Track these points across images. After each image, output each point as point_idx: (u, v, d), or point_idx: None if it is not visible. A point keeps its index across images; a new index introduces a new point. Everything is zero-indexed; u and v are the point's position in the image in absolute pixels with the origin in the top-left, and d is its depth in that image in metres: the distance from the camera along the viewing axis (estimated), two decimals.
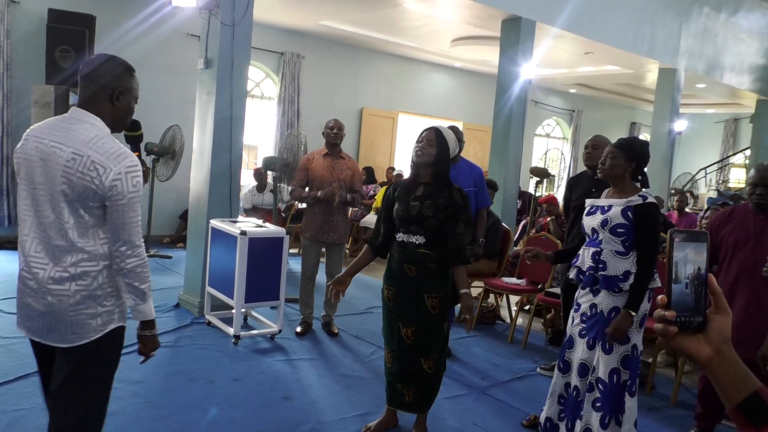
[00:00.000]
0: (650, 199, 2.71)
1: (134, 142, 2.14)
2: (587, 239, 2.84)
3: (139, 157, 2.14)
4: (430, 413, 3.00)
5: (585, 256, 2.80)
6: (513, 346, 4.68)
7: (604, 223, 2.70)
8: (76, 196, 1.76)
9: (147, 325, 1.94)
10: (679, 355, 3.99)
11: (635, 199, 2.69)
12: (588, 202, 2.91)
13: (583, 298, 2.82)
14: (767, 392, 0.80)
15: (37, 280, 1.81)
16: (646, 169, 2.87)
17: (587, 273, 2.75)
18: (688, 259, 0.81)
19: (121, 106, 1.87)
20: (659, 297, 0.82)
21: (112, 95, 1.84)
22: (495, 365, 4.20)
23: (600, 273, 2.71)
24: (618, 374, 2.68)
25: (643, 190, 2.82)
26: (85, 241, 1.80)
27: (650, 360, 4.06)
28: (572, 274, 2.89)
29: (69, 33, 6.10)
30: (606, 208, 2.74)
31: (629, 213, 2.67)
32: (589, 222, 2.79)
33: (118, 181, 1.76)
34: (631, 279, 2.67)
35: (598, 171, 2.87)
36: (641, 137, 15.89)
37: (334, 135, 4.48)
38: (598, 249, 2.72)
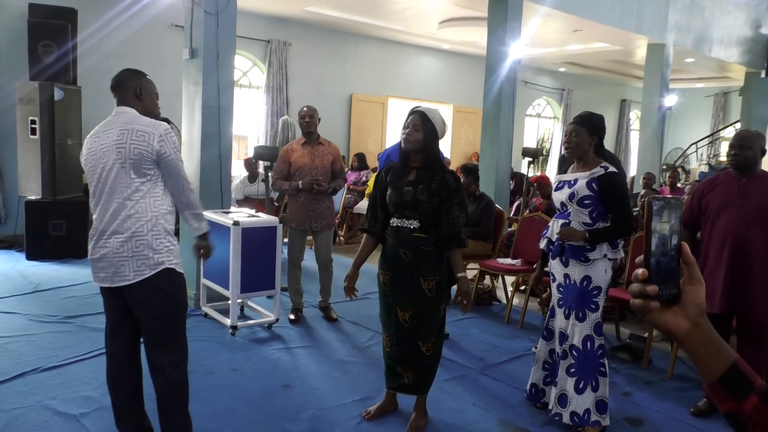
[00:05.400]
0: (611, 169, 2.88)
1: None
2: (557, 212, 3.02)
3: None
4: (430, 395, 3.01)
5: (554, 227, 2.99)
6: (510, 327, 4.70)
7: (571, 196, 2.89)
8: (130, 162, 2.28)
9: (203, 237, 2.59)
10: (653, 329, 4.05)
11: (598, 171, 2.86)
12: (555, 178, 3.09)
13: (556, 269, 3.01)
14: (744, 363, 0.77)
15: (102, 241, 2.34)
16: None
17: (556, 243, 2.96)
18: (665, 229, 0.76)
19: (145, 99, 2.46)
20: (639, 270, 0.76)
21: (135, 92, 2.43)
22: (492, 346, 4.22)
23: (567, 242, 2.90)
24: (592, 341, 2.87)
25: (605, 161, 2.96)
26: (137, 197, 2.30)
27: (646, 335, 4.09)
28: (542, 245, 3.10)
29: (51, 27, 6.00)
30: (572, 182, 2.92)
31: (594, 184, 2.84)
32: (558, 196, 2.98)
33: (162, 143, 2.31)
34: (597, 249, 2.84)
35: (564, 150, 3.00)
36: (632, 114, 15.83)
37: (306, 123, 4.44)
38: (567, 221, 2.92)
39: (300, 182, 4.36)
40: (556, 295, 3.02)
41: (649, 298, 0.75)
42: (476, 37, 8.73)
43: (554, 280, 3.03)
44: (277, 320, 4.33)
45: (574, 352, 2.88)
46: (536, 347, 4.16)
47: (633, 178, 10.21)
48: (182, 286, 2.44)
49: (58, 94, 5.93)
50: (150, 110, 2.45)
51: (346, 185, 7.55)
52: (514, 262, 4.94)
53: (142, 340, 2.47)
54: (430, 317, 2.84)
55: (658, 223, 0.76)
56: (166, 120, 2.62)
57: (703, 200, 3.21)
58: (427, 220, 2.77)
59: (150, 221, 2.31)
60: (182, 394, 2.46)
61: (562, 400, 2.92)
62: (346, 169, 7.79)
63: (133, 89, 2.42)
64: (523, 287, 5.33)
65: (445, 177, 2.77)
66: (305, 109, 4.51)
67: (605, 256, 2.85)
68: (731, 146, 3.13)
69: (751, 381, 0.75)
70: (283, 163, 4.48)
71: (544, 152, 13.30)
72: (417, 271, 2.79)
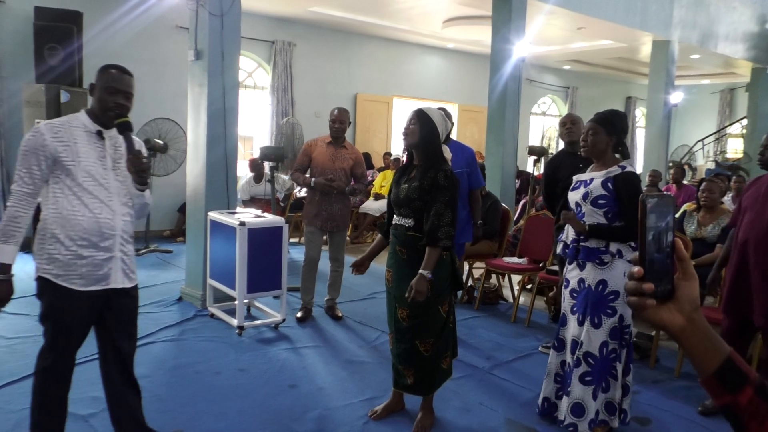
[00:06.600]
0: (629, 169, 2.79)
1: (121, 128, 2.19)
2: None
3: (132, 146, 2.28)
4: (436, 394, 3.01)
5: (569, 230, 2.89)
6: (516, 326, 4.69)
7: (585, 196, 2.79)
8: None
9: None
10: (651, 326, 4.03)
11: (614, 170, 2.77)
12: (574, 177, 2.98)
13: (571, 274, 2.90)
14: (738, 356, 0.77)
15: None
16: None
17: (571, 246, 2.87)
18: (659, 225, 0.77)
19: (96, 97, 2.28)
20: (634, 269, 0.77)
21: (90, 90, 2.30)
22: (499, 345, 4.21)
23: (581, 244, 2.81)
24: (606, 346, 2.77)
25: (624, 161, 2.89)
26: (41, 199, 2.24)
27: (653, 333, 4.08)
28: (559, 249, 3.01)
29: (56, 30, 6.04)
30: (588, 181, 2.83)
31: (609, 184, 2.74)
32: (573, 196, 2.89)
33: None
34: (611, 251, 2.75)
35: (581, 149, 2.92)
36: (638, 111, 15.66)
37: (336, 129, 4.44)
38: (582, 222, 2.81)
39: (312, 180, 4.37)
40: (569, 302, 2.90)
41: (645, 295, 0.77)
42: (480, 36, 8.72)
43: (567, 285, 2.92)
44: (283, 320, 4.34)
45: (590, 360, 2.76)
46: (543, 346, 4.17)
47: (639, 176, 10.16)
48: (53, 297, 2.21)
49: (64, 97, 5.97)
50: (96, 106, 2.28)
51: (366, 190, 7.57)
52: (520, 261, 4.93)
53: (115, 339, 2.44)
54: (428, 318, 2.81)
55: (652, 221, 0.76)
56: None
57: (741, 199, 3.14)
58: (420, 218, 2.77)
59: (40, 224, 2.23)
60: (34, 391, 2.38)
61: (576, 409, 2.78)
62: None
63: (91, 86, 2.31)
64: (529, 286, 5.32)
65: (437, 174, 2.74)
66: (336, 112, 4.47)
67: (622, 257, 2.73)
68: (762, 145, 3.06)
69: (745, 374, 0.76)
70: (303, 156, 4.51)
71: (550, 150, 13.27)
72: (412, 270, 2.76)
